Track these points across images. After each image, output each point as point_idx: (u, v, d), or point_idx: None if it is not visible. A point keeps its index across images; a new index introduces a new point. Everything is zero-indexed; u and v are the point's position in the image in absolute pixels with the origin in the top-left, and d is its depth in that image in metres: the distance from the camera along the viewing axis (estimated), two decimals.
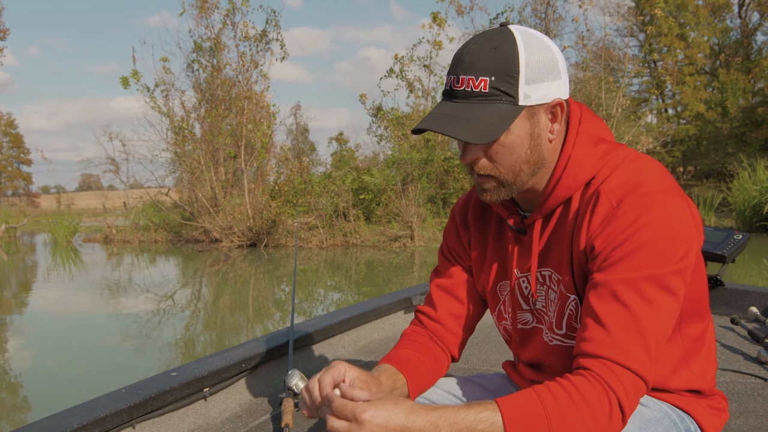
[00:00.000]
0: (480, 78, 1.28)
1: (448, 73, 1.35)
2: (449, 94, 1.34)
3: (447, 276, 1.67)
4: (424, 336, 1.65)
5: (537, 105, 1.32)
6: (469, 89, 1.29)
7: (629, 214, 1.25)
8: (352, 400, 1.20)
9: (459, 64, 1.32)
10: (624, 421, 1.20)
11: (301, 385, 2.41)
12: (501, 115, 1.29)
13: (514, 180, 1.36)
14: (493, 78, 1.28)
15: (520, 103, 1.29)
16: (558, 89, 1.33)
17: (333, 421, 1.18)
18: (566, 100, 1.37)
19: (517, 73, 1.28)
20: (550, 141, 1.36)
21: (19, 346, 7.98)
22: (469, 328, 1.67)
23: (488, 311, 1.69)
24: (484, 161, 1.34)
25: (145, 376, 2.38)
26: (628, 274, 1.23)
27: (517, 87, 1.29)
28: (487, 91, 1.28)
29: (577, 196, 1.36)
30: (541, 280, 1.44)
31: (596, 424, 1.16)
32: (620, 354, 1.19)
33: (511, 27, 1.33)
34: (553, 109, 1.34)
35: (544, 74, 1.31)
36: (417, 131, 1.36)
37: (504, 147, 1.32)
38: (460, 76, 1.30)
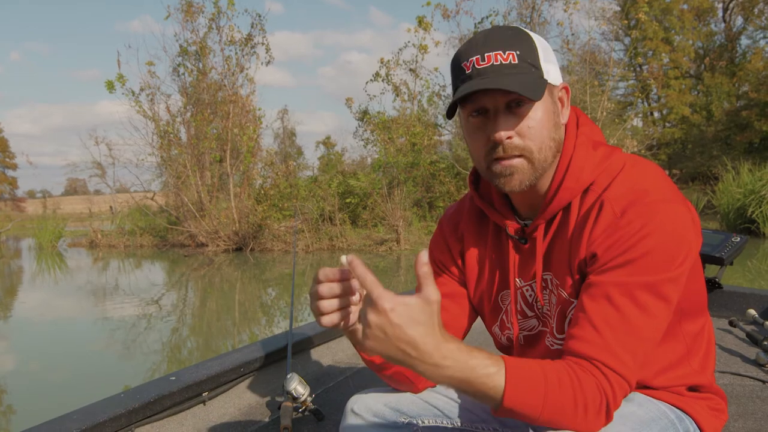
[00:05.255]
0: (507, 51, 1.26)
1: (467, 57, 1.29)
2: (475, 74, 1.28)
3: None
4: None
5: (553, 84, 1.32)
6: (498, 62, 1.26)
7: (633, 224, 1.23)
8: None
9: (479, 46, 1.29)
10: (608, 420, 1.20)
11: (300, 389, 2.40)
12: (538, 81, 1.28)
13: (543, 158, 1.31)
14: (518, 52, 1.27)
15: (544, 77, 1.29)
16: (559, 75, 1.35)
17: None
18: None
19: (536, 50, 1.29)
20: (563, 125, 1.37)
21: (2, 350, 7.92)
22: None
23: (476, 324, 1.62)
24: (516, 139, 1.28)
25: (131, 381, 2.36)
26: (623, 279, 1.22)
27: (540, 62, 1.29)
28: (516, 62, 1.26)
29: (576, 202, 1.34)
30: (543, 285, 1.42)
31: (585, 414, 1.16)
32: (609, 357, 1.19)
33: None
34: (561, 92, 1.35)
35: (551, 56, 1.33)
36: (460, 100, 1.28)
37: (535, 122, 1.29)
38: (485, 54, 1.27)
